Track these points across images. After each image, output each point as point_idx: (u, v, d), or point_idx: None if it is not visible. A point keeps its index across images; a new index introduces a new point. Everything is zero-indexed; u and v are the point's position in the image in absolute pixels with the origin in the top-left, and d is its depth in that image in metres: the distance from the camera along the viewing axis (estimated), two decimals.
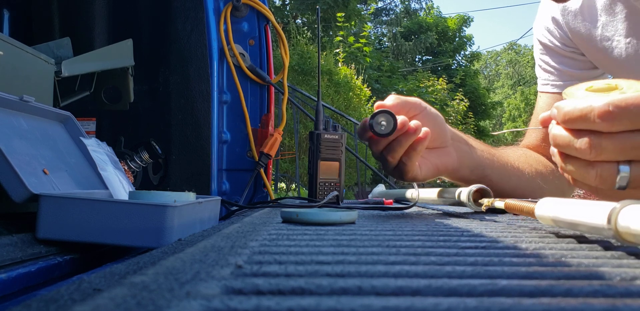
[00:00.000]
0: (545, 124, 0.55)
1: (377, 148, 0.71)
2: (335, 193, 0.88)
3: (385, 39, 19.14)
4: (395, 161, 0.70)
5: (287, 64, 1.28)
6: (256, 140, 1.25)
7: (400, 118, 0.67)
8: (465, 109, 12.25)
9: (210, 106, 1.23)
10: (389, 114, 0.67)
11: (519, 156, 0.96)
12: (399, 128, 0.67)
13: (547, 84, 1.01)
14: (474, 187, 0.70)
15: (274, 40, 1.42)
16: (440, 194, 0.82)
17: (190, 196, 0.71)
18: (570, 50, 0.98)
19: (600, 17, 0.90)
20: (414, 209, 0.80)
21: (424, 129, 0.68)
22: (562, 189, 0.97)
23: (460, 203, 0.73)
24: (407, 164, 0.70)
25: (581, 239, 0.41)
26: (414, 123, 0.67)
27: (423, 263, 0.29)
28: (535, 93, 1.08)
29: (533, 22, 1.04)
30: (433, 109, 0.76)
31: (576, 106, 0.49)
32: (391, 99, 0.71)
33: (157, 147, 0.98)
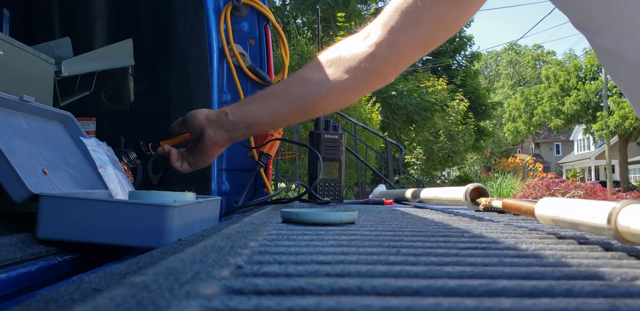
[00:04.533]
0: None
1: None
2: (294, 184, 0.90)
3: None
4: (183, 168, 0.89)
5: (287, 64, 1.28)
6: (256, 140, 1.25)
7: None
8: (465, 109, 12.23)
9: (211, 106, 1.23)
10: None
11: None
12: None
13: None
14: (470, 186, 0.70)
15: (274, 40, 1.42)
16: (438, 194, 0.82)
17: (190, 196, 0.71)
18: None
19: None
20: (413, 209, 0.80)
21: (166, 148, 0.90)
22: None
23: (458, 202, 0.73)
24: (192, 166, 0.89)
25: (581, 239, 0.41)
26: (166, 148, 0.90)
27: (423, 263, 0.29)
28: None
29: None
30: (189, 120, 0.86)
31: None
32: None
33: (144, 147, 0.97)
